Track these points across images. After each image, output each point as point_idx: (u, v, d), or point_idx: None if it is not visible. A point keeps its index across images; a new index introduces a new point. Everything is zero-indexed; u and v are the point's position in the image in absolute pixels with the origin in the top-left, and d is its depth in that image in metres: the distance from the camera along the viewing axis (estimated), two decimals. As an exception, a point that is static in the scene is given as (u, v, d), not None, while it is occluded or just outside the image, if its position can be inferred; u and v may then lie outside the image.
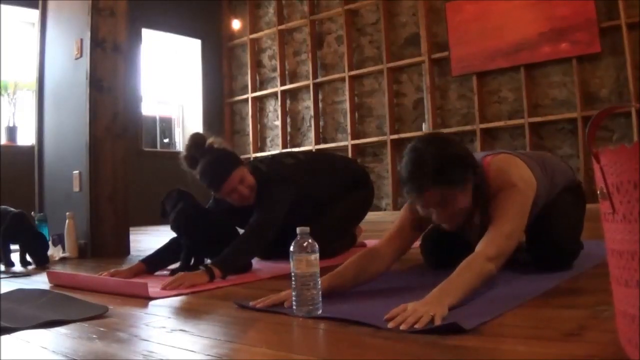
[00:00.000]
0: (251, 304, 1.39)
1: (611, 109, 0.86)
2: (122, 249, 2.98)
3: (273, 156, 2.51)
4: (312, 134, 6.25)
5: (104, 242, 2.91)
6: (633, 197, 0.75)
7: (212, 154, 2.07)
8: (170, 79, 7.07)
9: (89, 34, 2.99)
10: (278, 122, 6.62)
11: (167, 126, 7.16)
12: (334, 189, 2.42)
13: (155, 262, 2.11)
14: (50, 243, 2.78)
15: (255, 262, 2.27)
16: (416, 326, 1.08)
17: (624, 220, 0.77)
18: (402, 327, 1.10)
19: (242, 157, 2.67)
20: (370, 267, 1.51)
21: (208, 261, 1.96)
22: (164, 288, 1.67)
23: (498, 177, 1.52)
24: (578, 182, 1.89)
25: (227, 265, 1.87)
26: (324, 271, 1.39)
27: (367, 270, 1.51)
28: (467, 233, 1.61)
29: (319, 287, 1.30)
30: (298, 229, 1.31)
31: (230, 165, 2.06)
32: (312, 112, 6.30)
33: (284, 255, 2.48)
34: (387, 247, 1.56)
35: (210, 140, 2.12)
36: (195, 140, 2.10)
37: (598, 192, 0.81)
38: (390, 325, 1.12)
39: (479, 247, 1.36)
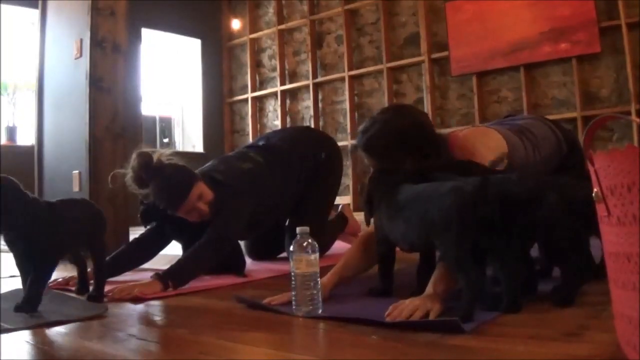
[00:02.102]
0: (265, 301, 1.40)
1: (607, 118, 0.86)
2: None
3: (228, 160, 2.27)
4: (312, 134, 6.24)
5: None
6: (627, 200, 0.75)
7: (164, 172, 1.89)
8: (170, 78, 7.06)
9: (88, 34, 2.98)
10: (278, 122, 6.62)
11: (166, 126, 7.16)
12: (298, 186, 2.33)
13: (108, 270, 1.93)
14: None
15: (249, 263, 2.26)
16: (412, 318, 1.12)
17: (618, 222, 0.77)
18: (397, 318, 1.13)
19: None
20: (372, 249, 1.54)
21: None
22: (111, 297, 1.60)
23: (461, 147, 1.64)
24: (569, 148, 1.85)
25: (182, 276, 1.75)
26: (323, 271, 1.40)
27: (370, 252, 1.54)
28: None
29: (319, 287, 1.30)
30: (298, 229, 1.30)
31: (186, 184, 1.89)
32: (312, 112, 6.30)
33: (272, 256, 2.51)
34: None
35: (156, 155, 1.93)
36: (143, 160, 1.89)
37: (594, 195, 0.81)
38: (388, 319, 1.13)
39: None
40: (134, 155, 1.92)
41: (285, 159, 2.31)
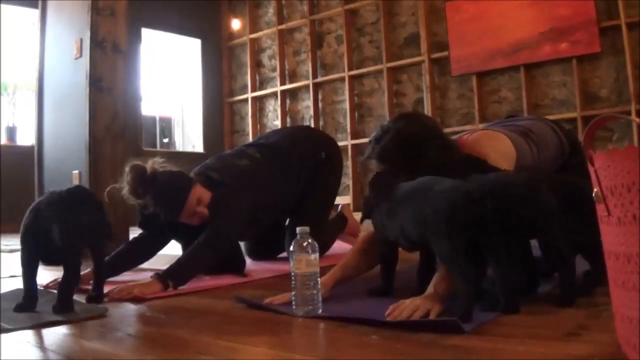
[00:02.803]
0: (265, 301, 1.41)
1: (607, 118, 0.86)
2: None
3: (225, 158, 2.26)
4: (312, 134, 6.23)
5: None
6: (627, 200, 0.75)
7: (159, 182, 1.88)
8: (170, 78, 7.07)
9: (88, 33, 2.99)
10: (278, 122, 6.62)
11: (166, 126, 7.16)
12: (298, 185, 2.32)
13: (107, 269, 1.93)
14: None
15: (249, 263, 2.26)
16: (412, 318, 1.13)
17: (619, 223, 0.77)
18: (398, 317, 1.14)
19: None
20: (373, 250, 1.53)
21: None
22: (111, 297, 1.60)
23: (471, 151, 1.63)
24: (571, 149, 1.86)
25: (181, 275, 1.75)
26: (323, 271, 1.40)
27: (371, 253, 1.54)
28: None
29: (319, 287, 1.30)
30: (298, 229, 1.30)
31: (183, 190, 1.89)
32: (311, 112, 6.30)
33: (272, 256, 2.50)
34: None
35: (149, 164, 1.91)
36: (136, 173, 1.88)
37: (594, 195, 0.81)
38: (389, 319, 1.14)
39: None
40: (127, 169, 1.90)
41: (285, 157, 2.30)
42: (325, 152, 2.42)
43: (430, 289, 1.24)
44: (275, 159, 2.27)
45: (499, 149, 1.67)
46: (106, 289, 1.65)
